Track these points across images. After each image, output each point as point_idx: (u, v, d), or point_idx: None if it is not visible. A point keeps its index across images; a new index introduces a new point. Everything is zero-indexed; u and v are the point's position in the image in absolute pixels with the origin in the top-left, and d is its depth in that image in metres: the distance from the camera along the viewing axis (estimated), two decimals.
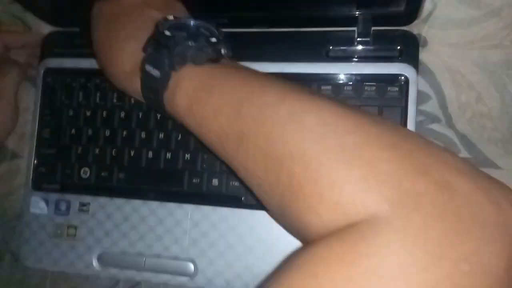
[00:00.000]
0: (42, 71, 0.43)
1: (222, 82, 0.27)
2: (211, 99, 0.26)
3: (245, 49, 0.39)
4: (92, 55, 0.41)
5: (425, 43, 0.38)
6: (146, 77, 0.28)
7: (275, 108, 0.23)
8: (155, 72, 0.28)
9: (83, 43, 0.42)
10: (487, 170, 0.36)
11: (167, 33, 0.28)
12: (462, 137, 0.38)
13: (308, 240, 0.21)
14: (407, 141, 0.20)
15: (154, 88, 0.28)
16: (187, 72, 0.27)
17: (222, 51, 0.29)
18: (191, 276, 0.38)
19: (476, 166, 0.20)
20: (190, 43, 0.27)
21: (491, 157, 0.37)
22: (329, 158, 0.20)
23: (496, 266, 0.17)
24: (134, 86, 0.30)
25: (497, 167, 0.37)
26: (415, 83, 0.36)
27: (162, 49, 0.27)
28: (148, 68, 0.28)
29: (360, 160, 0.19)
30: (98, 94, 0.41)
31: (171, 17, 0.29)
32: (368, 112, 0.23)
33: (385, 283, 0.16)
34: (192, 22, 0.29)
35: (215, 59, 0.28)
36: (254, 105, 0.24)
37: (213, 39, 0.29)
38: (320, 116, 0.22)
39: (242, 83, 0.26)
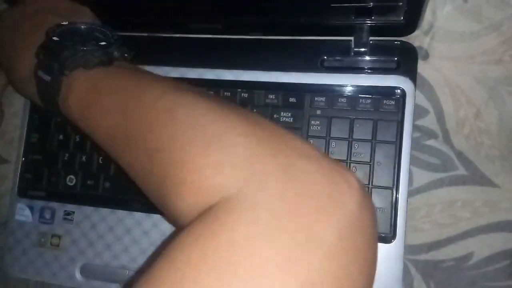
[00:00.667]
0: None
1: (110, 84, 0.28)
2: (99, 101, 0.27)
3: (237, 56, 0.39)
4: None
5: (426, 56, 0.37)
6: (39, 83, 0.29)
7: (153, 105, 0.25)
8: (46, 78, 0.29)
9: None
10: (484, 188, 0.36)
11: (55, 38, 0.29)
12: (459, 154, 0.36)
13: (181, 226, 0.22)
14: (262, 129, 0.23)
15: (48, 93, 0.29)
16: (78, 76, 0.28)
17: (115, 53, 0.29)
18: None
19: (322, 151, 0.23)
20: (78, 47, 0.28)
21: (488, 175, 0.36)
22: (192, 146, 0.22)
23: (330, 234, 0.19)
24: (31, 92, 0.31)
25: (494, 185, 0.36)
26: (413, 97, 0.35)
27: (51, 55, 0.29)
28: (40, 73, 0.29)
29: (218, 145, 0.22)
30: None
31: (65, 23, 0.30)
32: (234, 105, 0.25)
33: (233, 256, 0.18)
34: (83, 26, 0.30)
35: (107, 62, 0.29)
36: (136, 103, 0.25)
37: (103, 43, 0.29)
38: (190, 110, 0.24)
39: (128, 84, 0.27)
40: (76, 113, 0.28)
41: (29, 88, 0.31)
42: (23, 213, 0.40)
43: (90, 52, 0.28)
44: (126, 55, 0.30)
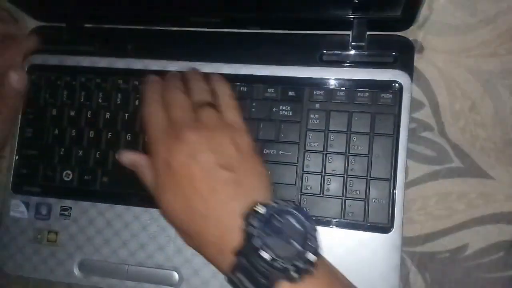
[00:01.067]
0: (26, 68, 0.42)
1: None
2: None
3: (236, 50, 0.39)
4: (78, 52, 0.40)
5: (421, 49, 0.37)
6: (237, 282, 0.27)
7: None
8: (249, 285, 0.26)
9: (69, 39, 0.41)
10: (479, 180, 0.36)
11: (265, 255, 0.25)
12: (454, 146, 0.37)
13: None
14: None
15: None
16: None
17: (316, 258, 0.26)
18: (175, 285, 0.37)
19: None
20: (288, 266, 0.25)
21: (484, 167, 0.36)
22: None
23: None
24: (225, 272, 0.28)
25: (489, 177, 0.36)
26: (409, 91, 0.35)
27: (255, 267, 0.25)
28: (240, 277, 0.26)
29: None
30: (83, 94, 0.40)
31: (263, 218, 0.26)
32: None
33: None
34: (291, 221, 0.27)
35: (311, 269, 0.26)
36: None
37: (311, 257, 0.26)
38: None
39: None
40: None
41: (223, 269, 0.28)
42: (18, 209, 0.40)
43: (298, 269, 0.25)
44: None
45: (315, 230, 0.27)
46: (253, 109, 0.37)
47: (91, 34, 0.42)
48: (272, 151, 0.36)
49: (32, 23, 0.43)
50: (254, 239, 0.26)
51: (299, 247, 0.26)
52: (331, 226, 0.35)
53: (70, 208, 0.39)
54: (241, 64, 0.38)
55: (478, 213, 0.36)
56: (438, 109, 0.37)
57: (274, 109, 0.37)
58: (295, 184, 0.36)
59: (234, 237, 0.27)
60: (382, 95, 0.35)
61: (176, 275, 0.37)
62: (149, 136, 0.31)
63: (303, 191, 0.36)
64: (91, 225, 0.38)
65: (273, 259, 0.25)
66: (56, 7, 0.41)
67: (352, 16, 0.36)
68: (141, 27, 0.41)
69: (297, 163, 0.36)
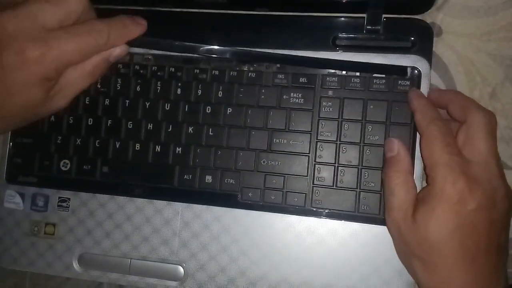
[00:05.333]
0: None
1: None
2: None
3: (244, 34, 0.36)
4: None
5: (440, 33, 0.35)
6: None
7: None
8: None
9: None
10: None
11: None
12: None
13: None
14: None
15: None
16: None
17: None
18: (180, 280, 0.35)
19: None
20: None
21: (503, 157, 0.35)
22: None
23: None
24: None
25: (508, 167, 0.35)
26: (428, 78, 0.34)
27: None
28: None
29: None
30: None
31: None
32: None
33: None
34: None
35: None
36: None
37: None
38: None
39: None
40: None
41: None
42: (13, 200, 0.38)
43: None
44: None
45: None
46: (262, 96, 0.35)
47: None
48: (282, 140, 0.34)
49: None
50: None
51: None
52: (344, 219, 0.34)
53: (69, 199, 0.37)
54: (248, 49, 0.36)
55: None
56: None
57: (284, 97, 0.35)
58: (306, 176, 0.34)
59: None
60: (399, 82, 0.34)
61: (181, 270, 0.35)
62: (433, 156, 0.29)
63: (315, 182, 0.34)
64: (91, 217, 0.36)
65: None
66: None
67: None
68: (141, 8, 0.39)
69: (309, 153, 0.34)
